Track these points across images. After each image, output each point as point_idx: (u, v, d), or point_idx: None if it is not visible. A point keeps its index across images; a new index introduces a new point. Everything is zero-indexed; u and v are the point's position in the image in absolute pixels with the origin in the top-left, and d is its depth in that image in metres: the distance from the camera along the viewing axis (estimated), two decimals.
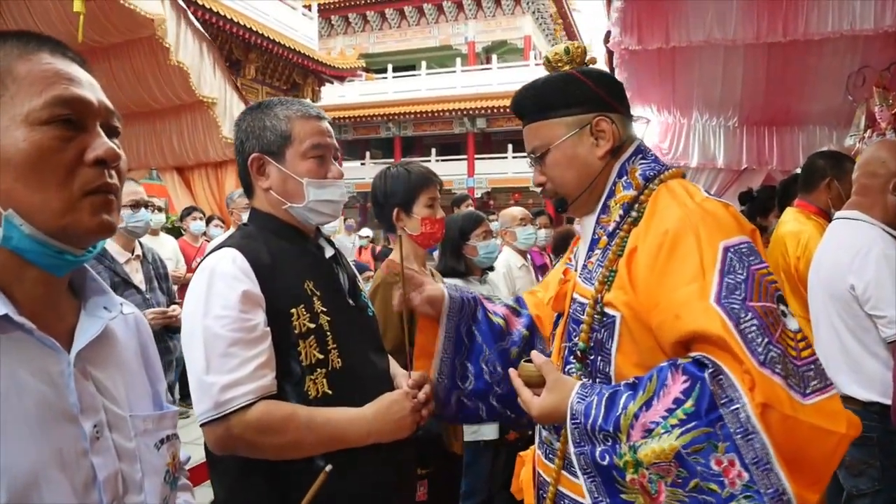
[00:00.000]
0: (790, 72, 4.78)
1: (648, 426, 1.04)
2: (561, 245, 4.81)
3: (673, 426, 1.02)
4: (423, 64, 25.36)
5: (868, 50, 4.26)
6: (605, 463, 1.08)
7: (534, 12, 26.95)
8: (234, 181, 7.47)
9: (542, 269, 4.41)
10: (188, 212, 6.06)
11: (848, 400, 2.13)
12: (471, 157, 24.57)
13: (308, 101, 1.51)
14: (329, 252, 1.53)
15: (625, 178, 1.30)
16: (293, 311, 1.36)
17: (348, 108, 24.62)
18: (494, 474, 2.88)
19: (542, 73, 1.41)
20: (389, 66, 25.33)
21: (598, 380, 1.22)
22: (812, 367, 1.05)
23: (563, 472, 1.27)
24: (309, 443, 1.31)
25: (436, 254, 2.98)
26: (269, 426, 1.28)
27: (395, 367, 1.62)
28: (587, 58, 1.37)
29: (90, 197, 0.77)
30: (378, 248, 12.37)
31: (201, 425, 1.29)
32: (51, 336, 0.76)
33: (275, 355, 1.33)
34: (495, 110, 23.03)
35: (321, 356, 1.37)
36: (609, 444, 1.08)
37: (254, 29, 13.40)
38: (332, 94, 22.30)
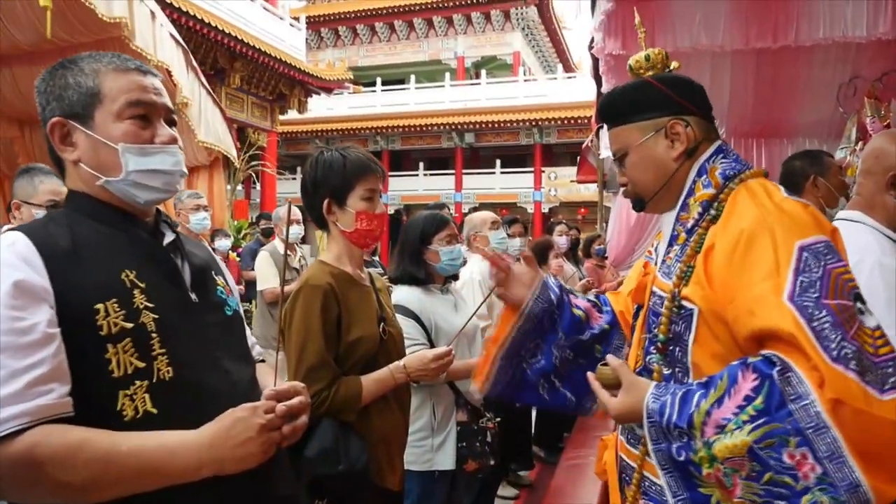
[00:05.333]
0: (779, 82, 4.63)
1: (720, 423, 1.09)
2: (539, 256, 4.58)
3: (744, 422, 1.07)
4: (413, 78, 25.32)
5: (859, 60, 4.11)
6: (681, 459, 1.14)
7: (523, 28, 27.04)
8: (205, 185, 7.23)
9: None
10: None
11: None
12: (458, 172, 24.47)
13: (127, 55, 1.23)
14: (168, 237, 1.25)
15: (704, 177, 1.36)
16: (99, 306, 1.06)
17: (337, 120, 24.53)
18: None
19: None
20: (378, 80, 25.26)
21: (676, 369, 1.29)
22: (891, 363, 1.06)
23: (647, 459, 1.29)
24: (110, 481, 1.00)
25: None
26: (47, 460, 0.96)
27: (264, 377, 1.32)
28: (670, 63, 1.44)
29: None
30: None
31: None
32: None
33: (69, 364, 1.03)
34: (484, 125, 22.97)
35: (142, 364, 1.07)
36: (684, 440, 1.14)
37: (239, 37, 13.24)
38: (321, 107, 22.22)
